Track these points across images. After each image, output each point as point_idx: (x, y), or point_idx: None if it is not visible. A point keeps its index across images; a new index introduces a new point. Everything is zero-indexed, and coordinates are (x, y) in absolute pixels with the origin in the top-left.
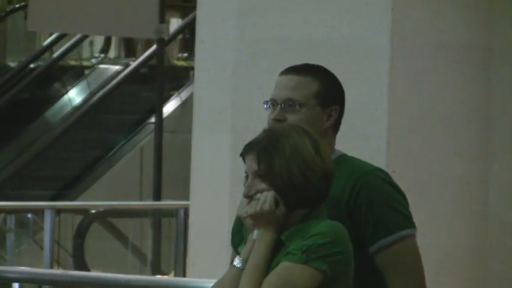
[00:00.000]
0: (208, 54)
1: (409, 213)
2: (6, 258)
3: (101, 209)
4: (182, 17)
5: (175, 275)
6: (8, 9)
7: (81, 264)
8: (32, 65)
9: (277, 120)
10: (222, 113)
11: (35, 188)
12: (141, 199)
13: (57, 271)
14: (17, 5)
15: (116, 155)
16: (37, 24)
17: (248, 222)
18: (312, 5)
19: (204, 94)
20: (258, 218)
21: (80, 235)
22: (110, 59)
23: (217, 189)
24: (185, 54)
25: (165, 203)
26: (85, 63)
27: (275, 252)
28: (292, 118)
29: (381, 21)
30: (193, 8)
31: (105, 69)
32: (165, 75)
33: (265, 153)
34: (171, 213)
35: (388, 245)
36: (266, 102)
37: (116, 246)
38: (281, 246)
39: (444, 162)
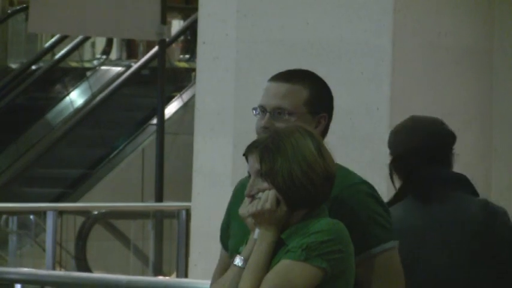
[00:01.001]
0: (209, 55)
1: (391, 225)
2: (8, 260)
3: (103, 211)
4: (184, 18)
5: (177, 276)
6: (9, 11)
7: (83, 266)
8: (33, 67)
9: (265, 128)
10: (224, 114)
11: (37, 189)
12: (142, 200)
13: (59, 272)
14: (18, 7)
15: (117, 157)
16: (38, 26)
17: (250, 221)
18: (312, 6)
19: (205, 95)
20: (259, 217)
21: (82, 236)
22: (112, 61)
23: (219, 191)
24: (187, 56)
25: (167, 204)
26: (86, 64)
27: (276, 251)
28: (280, 126)
29: (382, 22)
30: (194, 9)
31: (107, 70)
32: (167, 76)
33: (267, 152)
34: (172, 214)
35: (371, 257)
36: (255, 109)
37: (117, 247)
38: (282, 245)
39: None
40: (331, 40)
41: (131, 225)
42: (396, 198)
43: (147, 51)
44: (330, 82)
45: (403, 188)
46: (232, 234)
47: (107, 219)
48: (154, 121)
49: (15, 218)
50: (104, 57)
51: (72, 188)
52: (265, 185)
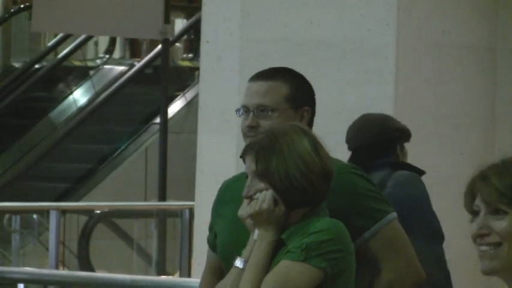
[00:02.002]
0: (213, 54)
1: (385, 198)
2: (11, 259)
3: (106, 210)
4: (187, 17)
5: (180, 275)
6: (12, 10)
7: (86, 265)
8: (36, 66)
9: (251, 127)
10: (227, 113)
11: (40, 188)
12: (146, 200)
13: (62, 272)
14: (22, 6)
15: (120, 156)
16: (41, 25)
17: (249, 222)
18: (315, 5)
19: (209, 94)
20: (258, 218)
21: (85, 236)
22: (115, 60)
23: None
24: (190, 55)
25: (170, 203)
26: (90, 63)
27: (276, 252)
28: (265, 123)
29: (387, 21)
30: (198, 8)
31: (110, 69)
32: (170, 75)
33: (262, 152)
34: (176, 213)
35: (379, 230)
36: (238, 110)
37: (120, 246)
38: (282, 245)
39: (449, 162)
40: (335, 39)
41: (134, 224)
42: None
43: (150, 50)
44: (334, 81)
45: None
46: (218, 233)
47: (110, 218)
48: (158, 120)
49: (18, 217)
50: (107, 56)
51: (76, 187)
52: (262, 185)
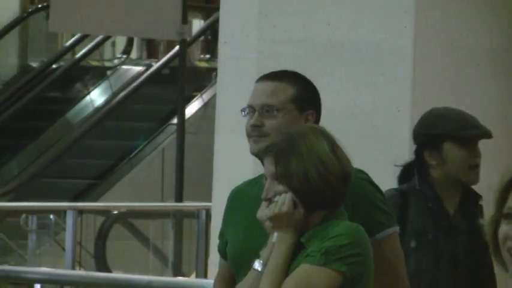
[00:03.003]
0: (230, 55)
1: (391, 211)
2: (27, 259)
3: (123, 210)
4: (204, 18)
5: (197, 276)
6: (30, 10)
7: (102, 265)
8: (54, 66)
9: (255, 126)
10: None
11: (57, 188)
12: (162, 200)
13: (79, 272)
14: (39, 6)
15: (137, 156)
16: (59, 25)
17: (268, 225)
18: (333, 6)
19: (226, 95)
20: (277, 221)
21: (102, 236)
22: (132, 60)
23: None
24: (207, 56)
25: (187, 204)
26: (107, 64)
27: (295, 255)
28: (270, 123)
29: (404, 23)
30: (215, 9)
31: (127, 70)
32: (187, 76)
33: (282, 155)
34: (192, 214)
35: (377, 242)
36: (244, 109)
37: (137, 247)
38: (301, 248)
39: None
40: (352, 41)
41: (151, 225)
42: None
43: (168, 51)
44: (351, 83)
45: None
46: (229, 240)
47: (127, 218)
48: (175, 121)
49: (34, 217)
50: (125, 56)
51: (93, 188)
52: (281, 187)
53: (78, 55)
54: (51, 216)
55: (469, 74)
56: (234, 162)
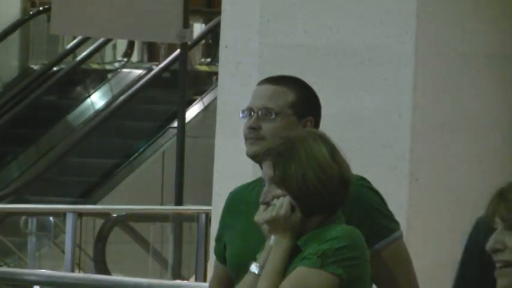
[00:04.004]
0: (231, 59)
1: (393, 214)
2: (27, 261)
3: (123, 213)
4: (205, 22)
5: (196, 280)
6: (31, 12)
7: (102, 268)
8: (54, 68)
9: (252, 128)
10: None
11: (57, 191)
12: (162, 203)
13: (78, 274)
14: (40, 8)
15: (137, 159)
16: (60, 28)
17: (265, 228)
18: (335, 11)
19: (227, 100)
20: (274, 224)
21: (101, 239)
22: (133, 63)
23: None
24: (208, 59)
25: (187, 207)
26: (108, 67)
27: (292, 258)
28: (267, 126)
29: (406, 28)
30: (217, 13)
31: (128, 73)
32: (188, 80)
33: (280, 159)
34: (192, 218)
35: (383, 248)
36: (243, 112)
37: (136, 250)
38: (298, 252)
39: (467, 170)
40: (354, 46)
41: (150, 228)
42: None
43: (168, 54)
44: (352, 88)
45: None
46: (228, 244)
47: (127, 221)
48: (175, 124)
49: (34, 219)
50: (125, 59)
51: (92, 190)
52: (280, 191)
53: (79, 58)
54: (51, 219)
55: (471, 80)
56: (234, 166)
